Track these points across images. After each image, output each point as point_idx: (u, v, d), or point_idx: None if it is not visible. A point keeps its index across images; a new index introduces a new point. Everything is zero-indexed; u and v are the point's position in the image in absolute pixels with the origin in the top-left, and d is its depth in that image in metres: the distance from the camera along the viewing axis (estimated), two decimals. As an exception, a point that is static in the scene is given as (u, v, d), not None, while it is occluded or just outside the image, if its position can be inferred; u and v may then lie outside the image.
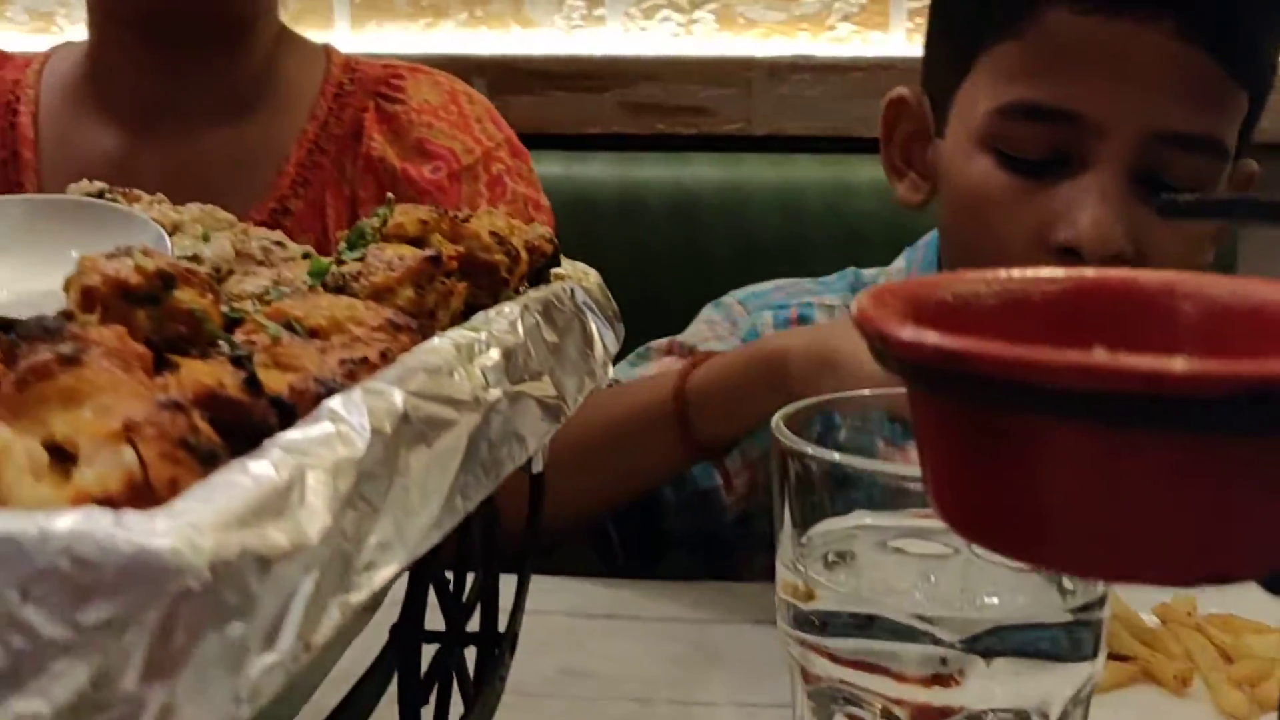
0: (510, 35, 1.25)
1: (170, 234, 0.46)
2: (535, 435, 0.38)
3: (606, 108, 1.19)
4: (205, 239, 0.46)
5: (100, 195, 0.45)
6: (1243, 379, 0.19)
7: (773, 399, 0.65)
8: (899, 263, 0.84)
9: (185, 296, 0.31)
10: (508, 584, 0.51)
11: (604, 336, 0.46)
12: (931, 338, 0.21)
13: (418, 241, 0.42)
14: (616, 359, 0.53)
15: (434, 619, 0.47)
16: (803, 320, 0.81)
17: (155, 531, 0.20)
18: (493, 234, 0.42)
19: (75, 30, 1.29)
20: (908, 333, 0.22)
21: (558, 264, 0.46)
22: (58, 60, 0.92)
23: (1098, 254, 0.65)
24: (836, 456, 0.37)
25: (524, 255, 0.43)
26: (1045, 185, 0.68)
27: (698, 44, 1.23)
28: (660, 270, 1.15)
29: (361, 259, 0.40)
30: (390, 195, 0.43)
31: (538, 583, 0.54)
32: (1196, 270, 0.73)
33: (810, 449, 0.38)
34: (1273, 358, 0.24)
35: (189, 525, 0.21)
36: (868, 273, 0.85)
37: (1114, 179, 0.66)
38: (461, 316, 0.40)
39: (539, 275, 0.45)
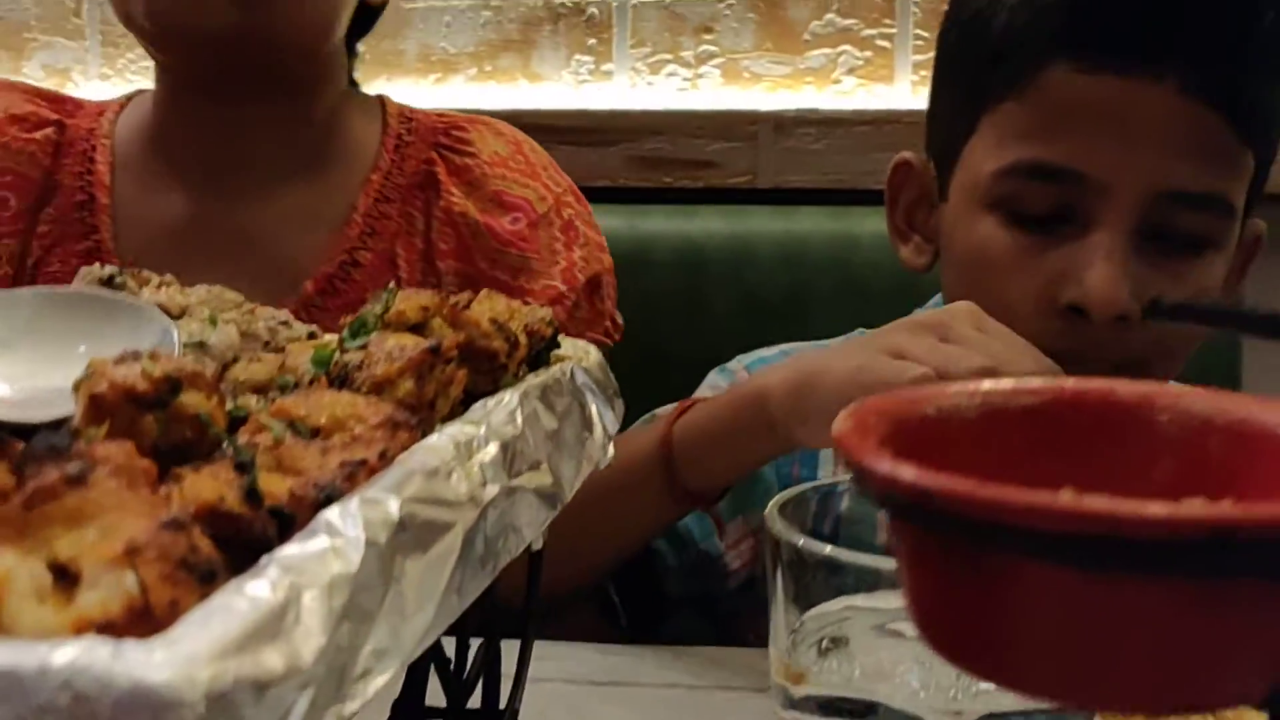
0: (519, 89, 1.27)
1: (178, 317, 0.47)
2: (533, 525, 0.39)
3: (614, 161, 1.20)
4: (212, 322, 0.47)
5: (110, 280, 0.46)
6: (1206, 523, 0.20)
7: (758, 439, 0.65)
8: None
9: (191, 400, 0.32)
10: (509, 651, 0.51)
11: (604, 417, 0.46)
12: (906, 473, 0.22)
13: (419, 327, 0.43)
14: (626, 421, 0.53)
15: (435, 691, 0.48)
16: None
17: (152, 664, 0.21)
18: (492, 320, 0.42)
19: (91, 87, 1.31)
20: (884, 466, 0.22)
21: (557, 345, 0.46)
22: (132, 110, 0.93)
23: (1104, 313, 0.65)
24: (828, 549, 0.38)
25: (523, 340, 0.44)
26: (1051, 244, 0.68)
27: (704, 98, 1.24)
28: (666, 322, 1.16)
29: (364, 347, 0.41)
30: (392, 283, 0.43)
31: (537, 649, 0.54)
32: (1193, 339, 0.73)
33: (802, 540, 0.38)
34: (1247, 480, 0.24)
35: (186, 657, 0.21)
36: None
37: (1120, 238, 0.66)
38: (461, 403, 0.41)
39: (539, 358, 0.45)
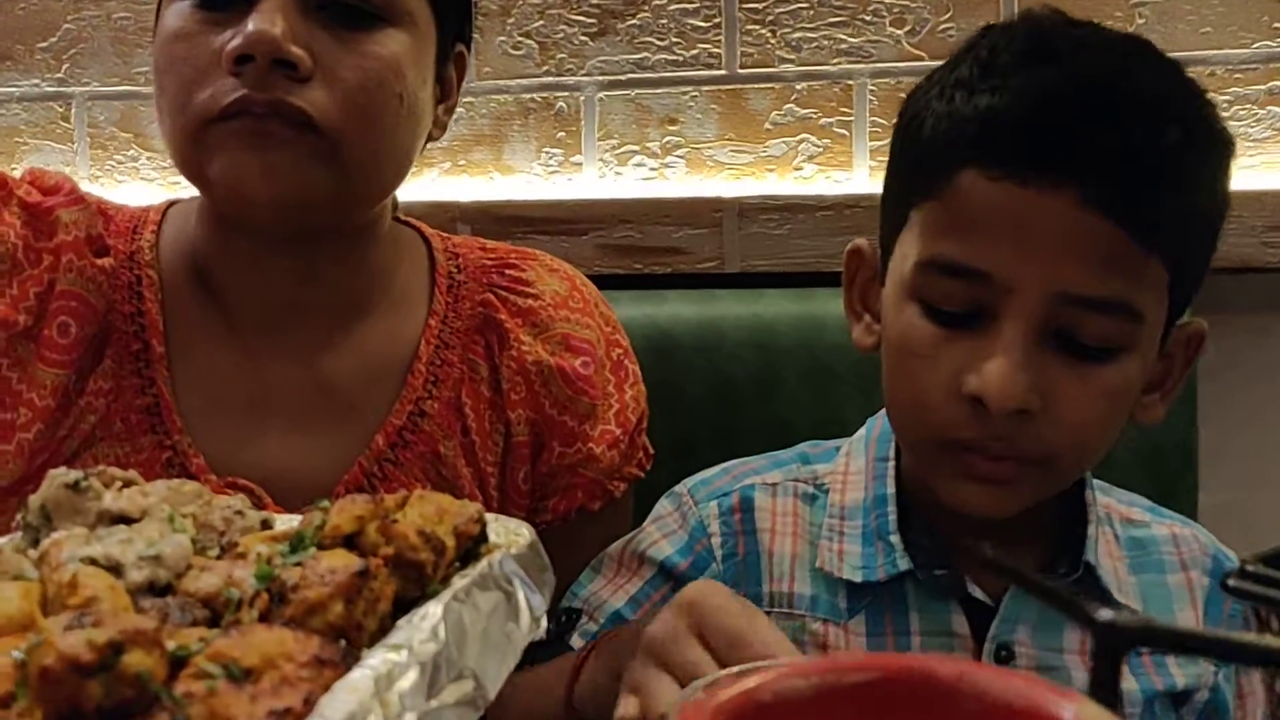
0: (491, 182, 1.31)
1: (138, 519, 0.51)
2: (455, 732, 0.42)
3: (586, 249, 1.24)
4: (171, 521, 0.51)
5: (76, 484, 0.50)
6: None
7: None
8: (860, 432, 0.87)
9: (134, 660, 0.36)
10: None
11: (531, 602, 0.50)
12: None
13: (355, 535, 0.47)
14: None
15: None
16: (744, 503, 0.84)
17: None
18: (420, 533, 0.46)
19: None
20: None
21: (486, 539, 0.50)
22: (171, 233, 0.87)
23: (999, 406, 0.68)
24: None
25: (451, 544, 0.47)
26: (962, 336, 0.71)
27: (670, 187, 1.29)
28: (638, 407, 1.19)
29: (300, 564, 0.45)
30: (326, 502, 0.47)
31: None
32: (1109, 432, 0.74)
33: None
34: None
35: None
36: (819, 448, 0.88)
37: (1021, 334, 0.69)
38: (391, 613, 0.45)
39: (469, 553, 0.49)
